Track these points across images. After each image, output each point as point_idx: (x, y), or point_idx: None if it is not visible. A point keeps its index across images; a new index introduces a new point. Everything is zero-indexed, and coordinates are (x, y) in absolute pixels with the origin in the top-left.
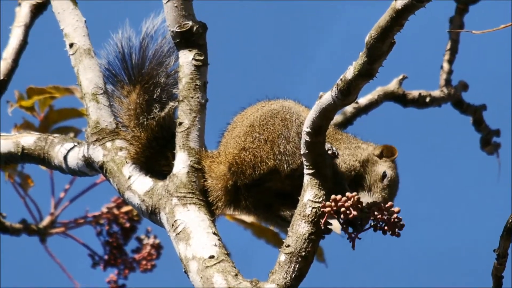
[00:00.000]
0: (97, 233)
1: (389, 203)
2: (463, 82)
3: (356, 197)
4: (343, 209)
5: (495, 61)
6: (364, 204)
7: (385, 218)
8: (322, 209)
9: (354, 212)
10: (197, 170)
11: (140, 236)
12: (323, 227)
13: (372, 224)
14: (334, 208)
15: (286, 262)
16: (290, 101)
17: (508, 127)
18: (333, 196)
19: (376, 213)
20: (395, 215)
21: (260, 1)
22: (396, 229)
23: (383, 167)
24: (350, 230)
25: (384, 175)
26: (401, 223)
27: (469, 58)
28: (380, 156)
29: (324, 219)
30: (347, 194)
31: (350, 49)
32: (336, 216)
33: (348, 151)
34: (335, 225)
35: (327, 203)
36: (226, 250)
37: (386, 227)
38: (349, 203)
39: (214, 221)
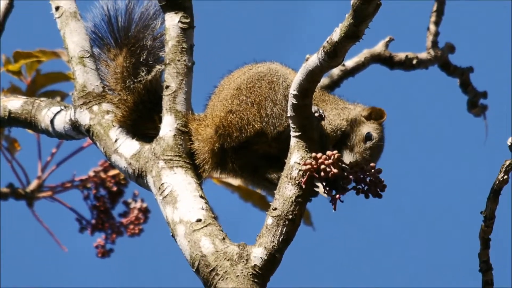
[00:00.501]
0: (84, 197)
1: (371, 164)
2: (450, 44)
3: (336, 155)
4: (323, 166)
5: (482, 23)
6: (345, 163)
7: (367, 178)
8: (302, 167)
9: (335, 170)
10: (184, 133)
11: (127, 200)
12: (303, 186)
13: (354, 186)
14: (315, 166)
15: (273, 225)
16: (277, 64)
17: (495, 89)
18: (313, 154)
19: (358, 173)
20: (376, 175)
21: None
22: (378, 190)
23: (368, 128)
24: (333, 192)
25: (367, 136)
26: (383, 183)
27: (456, 20)
28: (368, 117)
29: (305, 178)
30: (328, 152)
31: (338, 12)
32: (316, 175)
33: (335, 111)
34: (322, 187)
35: (308, 161)
36: (213, 214)
37: (367, 188)
38: (329, 161)
39: (201, 184)
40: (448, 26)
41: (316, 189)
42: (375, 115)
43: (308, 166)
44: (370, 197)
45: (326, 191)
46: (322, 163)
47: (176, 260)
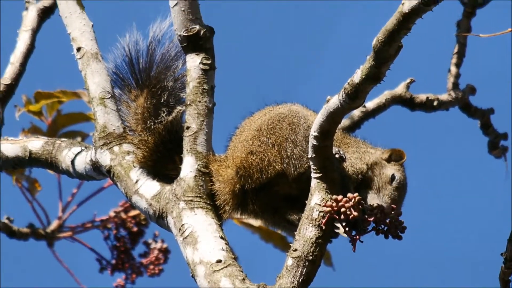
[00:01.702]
0: (104, 238)
1: (392, 206)
2: (471, 86)
3: (357, 198)
4: (343, 209)
5: (502, 65)
6: (372, 205)
7: (387, 220)
8: (322, 208)
9: (355, 213)
10: (205, 174)
11: (148, 240)
12: (323, 227)
13: (374, 226)
14: (335, 208)
15: (294, 266)
16: (297, 105)
17: None
18: (334, 196)
19: (378, 215)
20: (396, 217)
21: (268, 3)
22: (398, 231)
23: (391, 170)
24: (353, 232)
25: (393, 178)
26: (403, 225)
27: (477, 61)
28: (389, 160)
29: (325, 219)
30: (349, 194)
31: (357, 54)
32: (337, 217)
33: (356, 155)
34: (342, 228)
35: (328, 202)
36: (233, 254)
37: (387, 229)
38: (350, 203)
39: (221, 225)
40: (469, 68)
41: (336, 230)
42: (395, 156)
43: (329, 208)
44: (390, 238)
45: (345, 232)
46: (343, 205)
47: None
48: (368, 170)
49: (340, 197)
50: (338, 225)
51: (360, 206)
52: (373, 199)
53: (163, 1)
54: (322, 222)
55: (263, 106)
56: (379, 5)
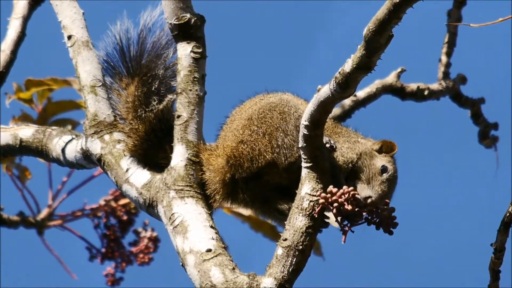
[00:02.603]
0: (94, 226)
1: (385, 201)
2: (462, 75)
3: (351, 192)
4: (336, 204)
5: (493, 54)
6: (361, 197)
7: (380, 215)
8: (316, 198)
9: (349, 207)
10: (195, 163)
11: (138, 229)
12: (316, 216)
13: (365, 218)
14: (330, 200)
15: (284, 256)
16: (288, 94)
17: (506, 121)
18: (329, 188)
19: (371, 210)
20: (390, 213)
21: None
22: (390, 227)
23: (382, 161)
24: (344, 222)
25: (383, 169)
26: (395, 221)
27: (467, 51)
28: (380, 151)
29: (318, 209)
30: (344, 188)
31: (349, 43)
32: (330, 208)
33: (347, 145)
34: (332, 218)
35: (323, 194)
36: (223, 244)
37: (379, 221)
38: (344, 197)
39: (211, 214)
40: (460, 57)
41: (327, 220)
42: (386, 148)
43: (322, 200)
44: (381, 230)
45: (337, 223)
46: (337, 199)
47: None
48: (358, 160)
49: (335, 189)
50: (330, 215)
51: (354, 200)
52: (362, 190)
53: None
54: (315, 211)
55: (254, 95)
56: None
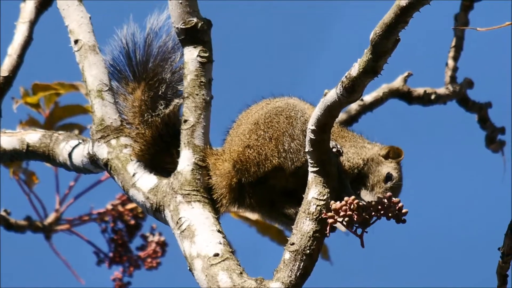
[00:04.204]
0: (102, 230)
1: (388, 194)
2: (468, 80)
3: (355, 202)
4: (346, 219)
5: (500, 59)
6: (365, 202)
7: (387, 209)
8: (325, 217)
9: (357, 218)
10: (202, 168)
11: (145, 233)
12: (329, 235)
13: (376, 218)
14: (336, 218)
15: (291, 260)
16: (295, 99)
17: None
18: (333, 206)
19: (379, 207)
20: (397, 207)
21: None
22: (401, 217)
23: (387, 168)
24: (356, 230)
25: (388, 177)
26: (403, 211)
27: (474, 55)
28: (386, 157)
29: (328, 229)
30: (346, 199)
31: (356, 47)
32: (342, 224)
33: (353, 149)
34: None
35: (329, 214)
36: (230, 248)
37: (390, 215)
38: (349, 211)
39: (218, 219)
40: (467, 61)
41: (334, 225)
42: (393, 154)
43: (331, 220)
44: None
45: (350, 231)
46: (344, 215)
47: None
48: (365, 165)
49: (338, 204)
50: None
51: (361, 210)
52: (365, 196)
53: None
54: (327, 232)
55: (260, 99)
56: (379, 1)
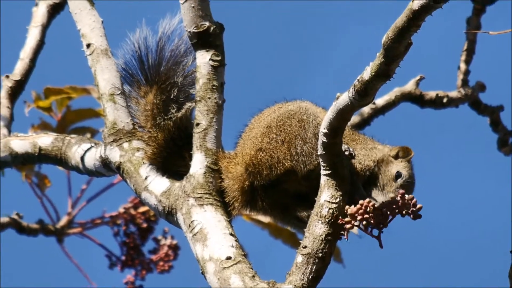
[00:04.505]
0: (114, 234)
1: (401, 191)
2: (480, 83)
3: (370, 205)
4: (364, 223)
5: None
6: (377, 204)
7: (401, 207)
8: (342, 223)
9: (373, 221)
10: (214, 171)
11: (157, 236)
12: (347, 239)
13: (391, 218)
14: (353, 223)
15: (303, 263)
16: (307, 102)
17: None
18: (348, 211)
19: (394, 206)
20: (409, 204)
21: (277, 2)
22: (416, 213)
23: (397, 167)
24: (372, 231)
25: (398, 175)
26: (418, 206)
27: (486, 58)
28: (396, 157)
29: (346, 234)
30: (361, 202)
31: (367, 51)
32: (360, 228)
33: (364, 152)
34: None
35: (347, 219)
36: (243, 251)
37: (405, 212)
38: (366, 214)
39: (230, 222)
40: (479, 65)
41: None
42: (402, 153)
43: (349, 225)
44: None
45: (367, 234)
46: (362, 219)
47: None
48: (375, 167)
49: (354, 209)
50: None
51: (376, 210)
52: (377, 196)
53: None
54: (345, 237)
55: (273, 103)
56: (390, 4)
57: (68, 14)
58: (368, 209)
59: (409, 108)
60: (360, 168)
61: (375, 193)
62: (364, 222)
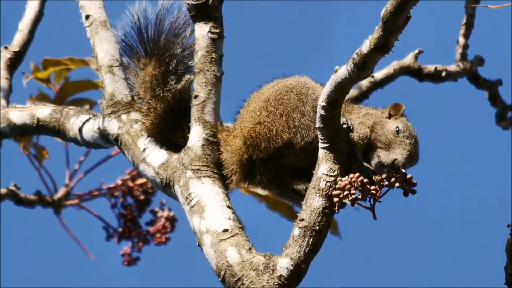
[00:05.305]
0: (111, 206)
1: (396, 166)
2: (479, 57)
3: (358, 179)
4: (350, 198)
5: (511, 36)
6: (388, 162)
7: (396, 184)
8: (333, 197)
9: (361, 195)
10: (212, 143)
11: (155, 208)
12: (338, 212)
13: (384, 192)
14: (342, 195)
15: (300, 236)
16: (306, 77)
17: None
18: (337, 184)
19: (390, 175)
20: (405, 177)
21: None
22: (411, 188)
23: (393, 124)
24: (367, 204)
25: (397, 130)
26: (413, 182)
27: (485, 32)
28: (389, 116)
29: (337, 206)
30: (351, 176)
31: (367, 23)
32: (349, 203)
33: (358, 120)
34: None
35: (335, 192)
36: (240, 224)
37: (399, 186)
38: (352, 188)
39: (228, 194)
40: (478, 39)
41: (344, 201)
42: (394, 111)
43: (336, 199)
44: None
45: (361, 206)
46: (348, 193)
47: (202, 269)
48: (372, 132)
49: (343, 183)
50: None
51: (366, 185)
52: (387, 156)
53: None
54: (335, 210)
55: (271, 79)
56: None
57: None
58: (355, 184)
59: (407, 82)
60: (357, 137)
61: (384, 154)
62: (350, 197)
